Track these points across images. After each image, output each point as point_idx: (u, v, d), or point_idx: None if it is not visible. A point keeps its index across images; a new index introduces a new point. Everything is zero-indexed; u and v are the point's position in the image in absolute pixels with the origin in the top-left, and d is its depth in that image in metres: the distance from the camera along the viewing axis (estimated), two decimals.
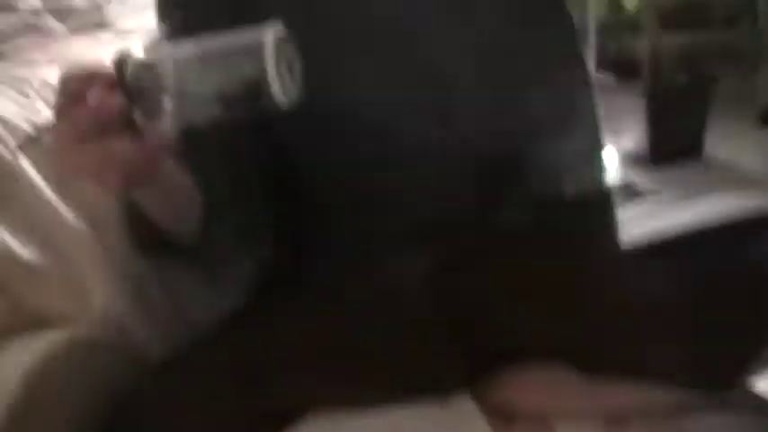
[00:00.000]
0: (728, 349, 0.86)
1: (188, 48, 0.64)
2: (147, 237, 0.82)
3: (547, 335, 0.87)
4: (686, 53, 2.79)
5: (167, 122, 0.64)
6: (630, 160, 2.53)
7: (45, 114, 1.15)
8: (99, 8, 1.83)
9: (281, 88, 0.63)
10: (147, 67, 0.64)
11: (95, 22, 1.76)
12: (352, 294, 0.91)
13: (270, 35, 0.62)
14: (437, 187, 0.91)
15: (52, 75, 1.21)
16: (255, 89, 0.63)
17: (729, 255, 0.88)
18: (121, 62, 0.64)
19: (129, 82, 0.64)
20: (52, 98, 0.98)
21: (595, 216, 0.99)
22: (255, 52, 0.62)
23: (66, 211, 1.07)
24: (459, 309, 0.88)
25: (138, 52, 0.65)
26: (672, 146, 2.52)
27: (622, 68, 2.67)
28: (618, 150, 2.50)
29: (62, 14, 1.68)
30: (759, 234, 0.89)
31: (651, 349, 0.85)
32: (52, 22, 1.65)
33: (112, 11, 1.85)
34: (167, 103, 0.64)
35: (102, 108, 0.64)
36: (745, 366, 0.87)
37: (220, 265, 1.02)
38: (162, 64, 0.64)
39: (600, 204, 1.00)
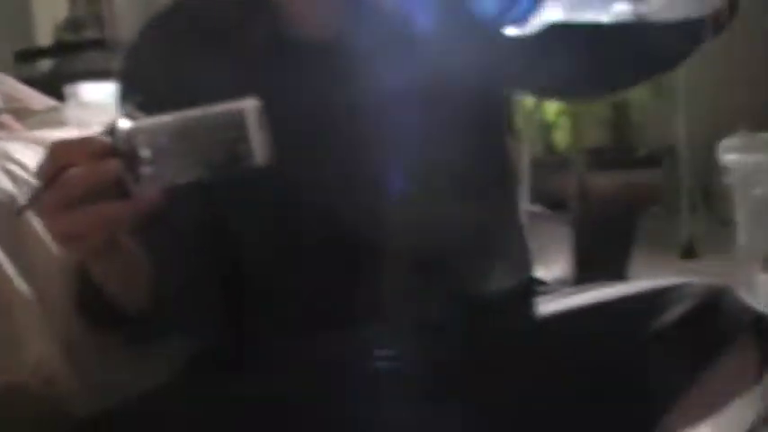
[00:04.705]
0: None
1: (172, 117, 0.72)
2: (93, 303, 0.86)
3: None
4: (611, 190, 2.99)
5: (153, 185, 0.71)
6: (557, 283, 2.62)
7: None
8: (56, 109, 1.91)
9: (261, 151, 0.71)
10: (134, 135, 0.71)
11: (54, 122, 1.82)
12: (274, 376, 0.93)
13: (251, 105, 0.71)
14: (369, 283, 0.94)
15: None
16: (238, 153, 0.71)
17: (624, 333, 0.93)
18: (112, 130, 0.71)
19: (119, 148, 0.71)
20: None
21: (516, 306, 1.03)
22: (238, 120, 0.71)
23: (9, 268, 1.10)
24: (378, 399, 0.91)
25: (125, 123, 0.72)
26: (596, 272, 2.64)
27: (554, 202, 2.80)
28: (547, 274, 2.60)
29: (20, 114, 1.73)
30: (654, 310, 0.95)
31: None
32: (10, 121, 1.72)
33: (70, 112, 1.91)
34: (154, 168, 0.71)
35: (100, 172, 0.70)
36: None
37: (160, 340, 1.05)
38: (149, 131, 0.71)
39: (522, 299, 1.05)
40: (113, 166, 0.70)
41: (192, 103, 0.73)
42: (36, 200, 0.72)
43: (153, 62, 0.99)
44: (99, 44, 3.45)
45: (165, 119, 0.72)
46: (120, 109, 0.96)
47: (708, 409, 0.96)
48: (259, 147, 0.71)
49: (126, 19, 3.54)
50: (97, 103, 2.04)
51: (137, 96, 0.79)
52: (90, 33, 3.56)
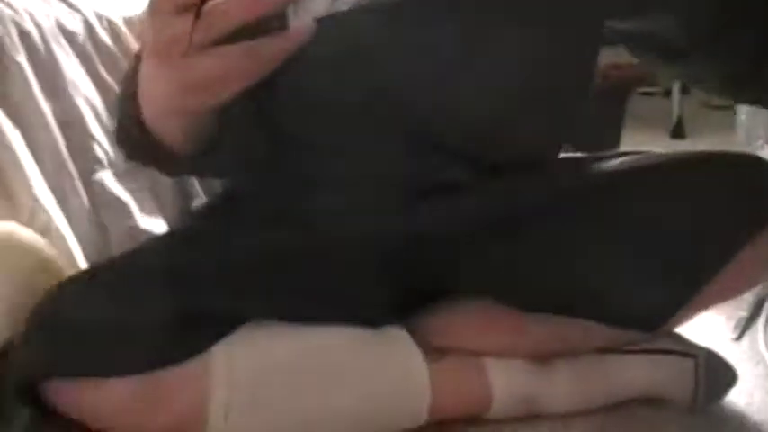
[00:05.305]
0: (664, 290, 0.88)
1: None
2: (138, 140, 0.75)
3: (479, 272, 0.88)
4: (601, 70, 2.94)
5: (311, 14, 0.60)
6: None
7: None
8: None
9: None
10: None
11: None
12: (301, 216, 0.89)
13: None
14: (409, 142, 0.89)
15: None
16: None
17: (670, 195, 0.90)
18: None
19: None
20: None
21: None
22: None
23: (2, 117, 1.04)
24: (398, 245, 0.88)
25: None
26: (589, 150, 2.63)
27: None
28: None
29: None
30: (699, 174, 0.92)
31: (585, 287, 0.87)
32: None
33: None
34: None
35: (265, 1, 0.57)
36: (674, 311, 0.90)
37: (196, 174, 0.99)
38: None
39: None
40: None
41: None
42: (174, 39, 0.57)
43: None
44: None
45: None
46: None
47: (739, 287, 0.96)
48: None
49: None
50: None
51: None
52: None
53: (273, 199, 0.92)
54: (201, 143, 0.74)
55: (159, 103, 0.67)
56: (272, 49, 0.58)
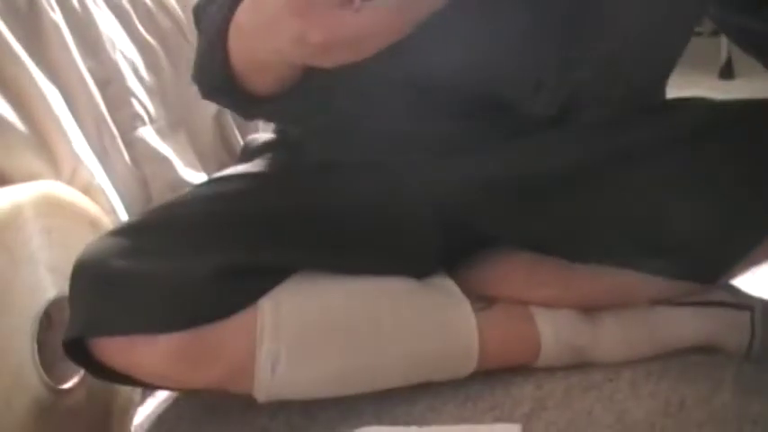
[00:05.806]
0: (722, 242, 0.85)
1: None
2: (221, 82, 0.72)
3: (529, 224, 0.87)
4: None
5: None
6: None
7: None
8: None
9: None
10: None
11: None
12: (348, 166, 0.88)
13: None
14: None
15: None
16: None
17: (728, 147, 0.87)
18: None
19: None
20: None
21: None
22: None
23: (40, 77, 1.02)
24: (447, 195, 0.87)
25: None
26: None
27: None
28: None
29: None
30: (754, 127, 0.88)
31: (638, 237, 0.85)
32: None
33: None
34: None
35: None
36: (733, 263, 0.87)
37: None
38: None
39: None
40: None
41: None
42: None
43: None
44: None
45: None
46: None
47: None
48: None
49: None
50: None
51: None
52: None
53: (324, 150, 0.91)
54: (285, 87, 0.72)
55: (271, 54, 0.63)
56: (422, 5, 0.53)
